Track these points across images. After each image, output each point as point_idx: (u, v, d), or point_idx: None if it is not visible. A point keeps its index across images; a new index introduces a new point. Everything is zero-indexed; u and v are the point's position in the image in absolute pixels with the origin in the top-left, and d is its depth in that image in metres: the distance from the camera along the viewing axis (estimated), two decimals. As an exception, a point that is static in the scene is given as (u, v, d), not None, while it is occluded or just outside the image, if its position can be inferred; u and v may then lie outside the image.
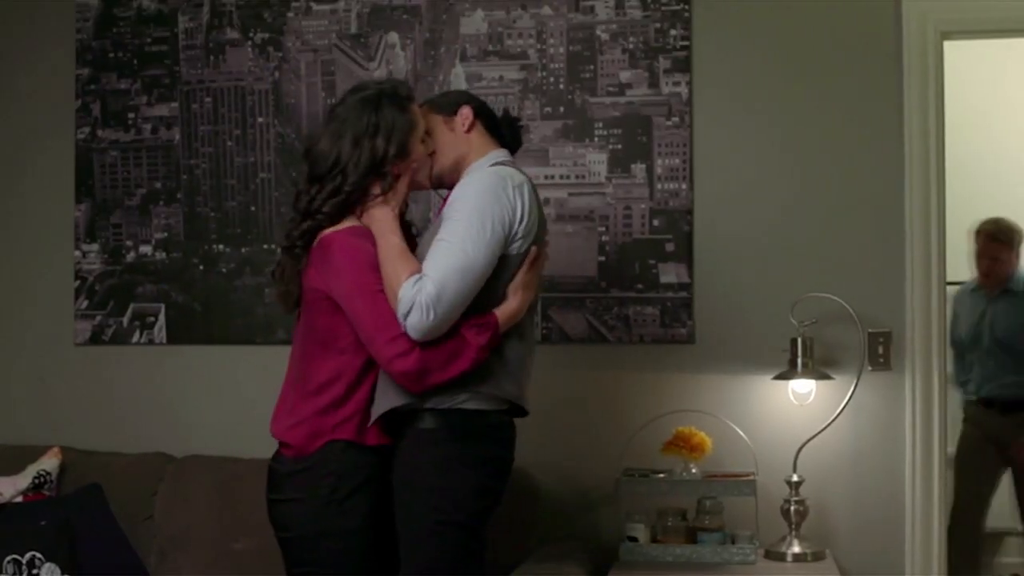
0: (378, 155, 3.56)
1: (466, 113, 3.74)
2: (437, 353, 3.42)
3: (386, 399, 3.54)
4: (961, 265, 6.31)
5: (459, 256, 3.40)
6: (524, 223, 3.53)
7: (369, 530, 3.56)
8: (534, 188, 3.66)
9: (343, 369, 3.56)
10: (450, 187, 3.73)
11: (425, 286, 3.35)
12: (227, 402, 5.06)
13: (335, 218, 3.58)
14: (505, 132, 3.86)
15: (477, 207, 3.46)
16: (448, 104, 3.80)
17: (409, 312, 3.35)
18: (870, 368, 4.77)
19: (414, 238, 3.79)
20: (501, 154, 3.77)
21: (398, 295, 3.37)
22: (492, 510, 3.67)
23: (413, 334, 3.38)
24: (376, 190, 3.58)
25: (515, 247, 3.54)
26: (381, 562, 3.61)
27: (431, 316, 3.35)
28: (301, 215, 3.65)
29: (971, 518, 6.48)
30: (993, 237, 6.40)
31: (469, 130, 3.74)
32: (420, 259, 3.48)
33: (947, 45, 4.85)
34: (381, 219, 3.54)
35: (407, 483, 3.55)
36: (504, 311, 3.53)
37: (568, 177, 4.96)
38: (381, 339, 3.43)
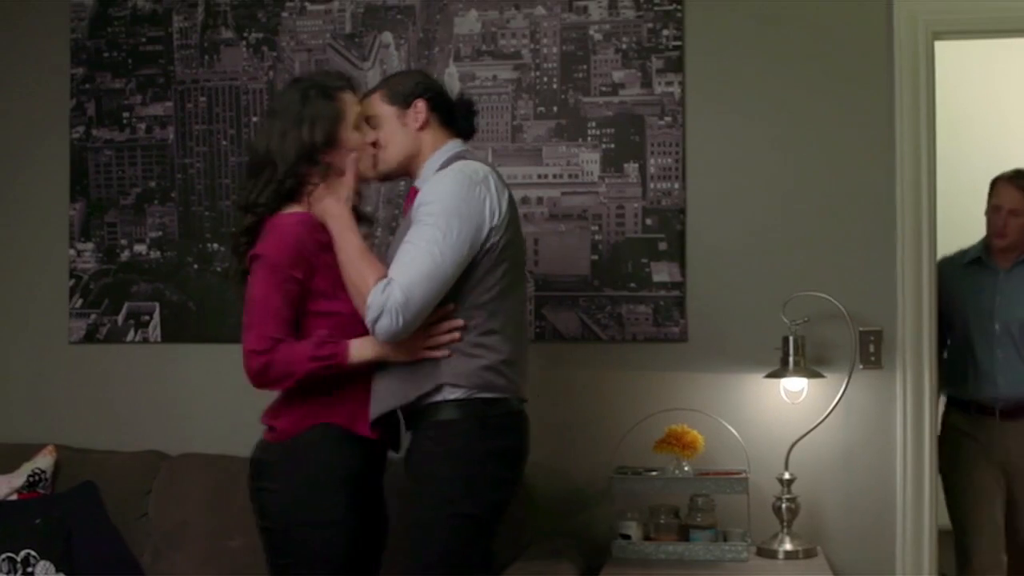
0: (304, 144, 3.62)
1: (420, 107, 3.75)
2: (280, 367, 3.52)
3: (395, 395, 3.56)
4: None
5: (427, 260, 3.43)
6: (496, 217, 3.57)
7: (351, 522, 3.57)
8: (499, 176, 3.70)
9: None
10: (396, 179, 3.90)
11: (393, 292, 3.39)
12: (221, 401, 5.06)
13: (274, 208, 3.64)
14: (460, 119, 3.87)
15: (445, 209, 3.49)
16: (401, 95, 3.79)
17: (378, 318, 3.39)
18: (861, 366, 4.79)
19: (368, 231, 3.90)
20: (456, 145, 3.80)
21: (366, 301, 3.42)
22: (507, 503, 3.70)
23: (382, 338, 3.43)
24: (315, 179, 3.64)
25: (491, 241, 3.56)
26: (361, 555, 3.64)
27: (400, 321, 3.39)
28: (243, 210, 3.73)
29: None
30: (1016, 184, 5.29)
31: (423, 127, 3.77)
32: (389, 261, 3.52)
33: (938, 45, 4.86)
34: (337, 215, 3.59)
35: (424, 473, 3.57)
36: (361, 350, 3.56)
37: (561, 176, 4.98)
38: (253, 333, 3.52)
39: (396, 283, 3.39)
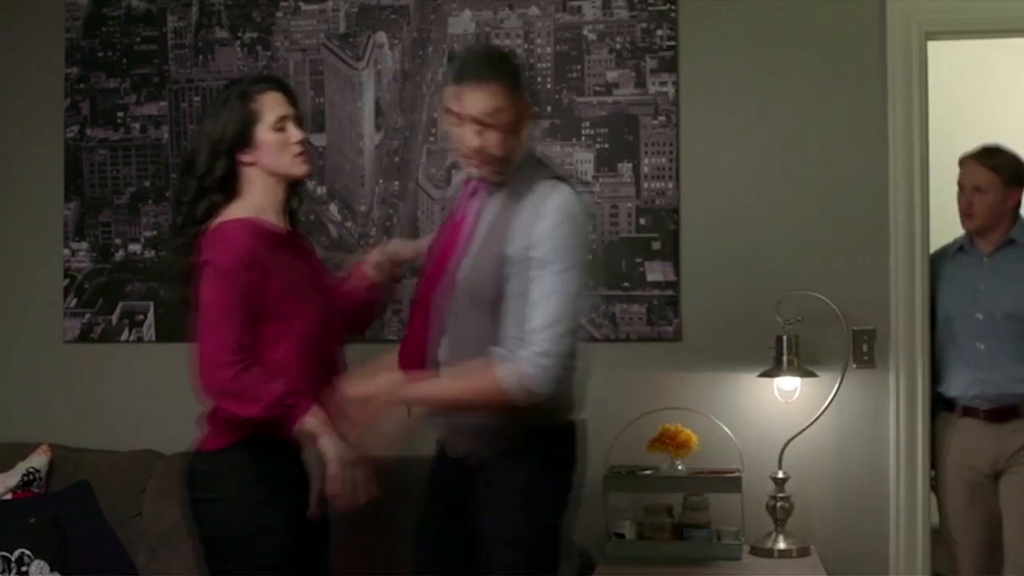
0: (214, 140, 3.65)
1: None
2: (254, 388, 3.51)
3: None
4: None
5: (569, 308, 3.33)
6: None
7: (292, 528, 3.57)
8: None
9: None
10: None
11: (533, 363, 3.27)
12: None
13: (195, 205, 3.68)
14: None
15: (571, 247, 3.35)
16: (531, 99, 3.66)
17: (528, 387, 3.30)
18: (854, 366, 4.80)
19: (305, 238, 3.94)
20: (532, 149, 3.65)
21: (501, 384, 3.29)
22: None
23: (545, 388, 3.32)
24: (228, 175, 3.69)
25: None
26: (304, 560, 3.65)
27: (549, 371, 3.30)
28: (174, 211, 3.82)
29: None
30: (980, 161, 4.86)
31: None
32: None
33: (931, 45, 4.88)
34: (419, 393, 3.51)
35: (524, 488, 3.47)
36: (312, 422, 3.54)
37: (555, 176, 4.98)
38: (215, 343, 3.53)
39: (537, 350, 3.28)
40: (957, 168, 4.80)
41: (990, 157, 4.84)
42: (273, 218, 3.71)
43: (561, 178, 3.48)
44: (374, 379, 3.40)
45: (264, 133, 3.68)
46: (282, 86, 3.82)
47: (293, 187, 3.82)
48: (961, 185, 4.88)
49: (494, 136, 3.35)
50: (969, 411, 4.79)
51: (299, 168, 3.75)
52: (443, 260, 3.49)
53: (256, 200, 3.69)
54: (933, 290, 4.88)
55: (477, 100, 3.32)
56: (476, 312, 3.39)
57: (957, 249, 4.98)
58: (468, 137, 3.35)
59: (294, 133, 3.72)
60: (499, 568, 3.44)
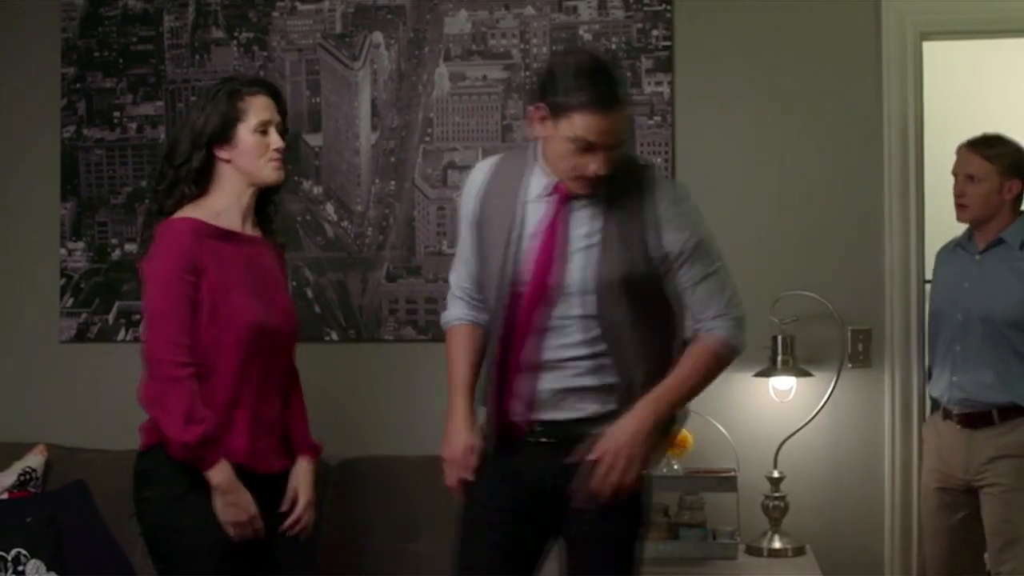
0: (195, 131, 3.64)
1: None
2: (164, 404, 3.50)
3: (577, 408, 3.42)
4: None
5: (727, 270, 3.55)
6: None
7: (216, 529, 3.54)
8: None
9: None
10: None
11: (733, 319, 3.47)
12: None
13: (167, 195, 3.68)
14: None
15: (699, 219, 3.49)
16: None
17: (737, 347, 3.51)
18: (850, 365, 4.82)
19: (274, 246, 3.87)
20: None
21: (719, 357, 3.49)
22: None
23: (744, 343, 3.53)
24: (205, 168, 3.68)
25: None
26: (246, 559, 3.62)
27: (744, 328, 3.52)
28: (150, 198, 3.83)
29: None
30: (975, 150, 4.56)
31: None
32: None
33: (926, 46, 4.90)
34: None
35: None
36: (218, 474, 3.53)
37: (551, 176, 4.99)
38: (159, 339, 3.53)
39: (729, 315, 3.47)
40: (948, 168, 4.69)
41: (987, 146, 4.57)
42: (234, 220, 3.70)
43: (646, 162, 3.61)
44: (611, 436, 3.25)
45: (245, 133, 3.66)
46: (273, 92, 3.81)
47: (267, 194, 3.81)
48: (954, 174, 4.58)
49: (616, 155, 3.27)
50: (947, 414, 4.55)
51: (272, 174, 3.73)
52: (542, 276, 3.34)
53: (221, 200, 3.68)
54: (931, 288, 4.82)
55: (617, 125, 3.23)
56: (627, 312, 3.34)
57: (956, 245, 4.71)
58: (599, 164, 3.21)
59: (274, 139, 3.71)
60: (600, 569, 3.43)
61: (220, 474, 3.51)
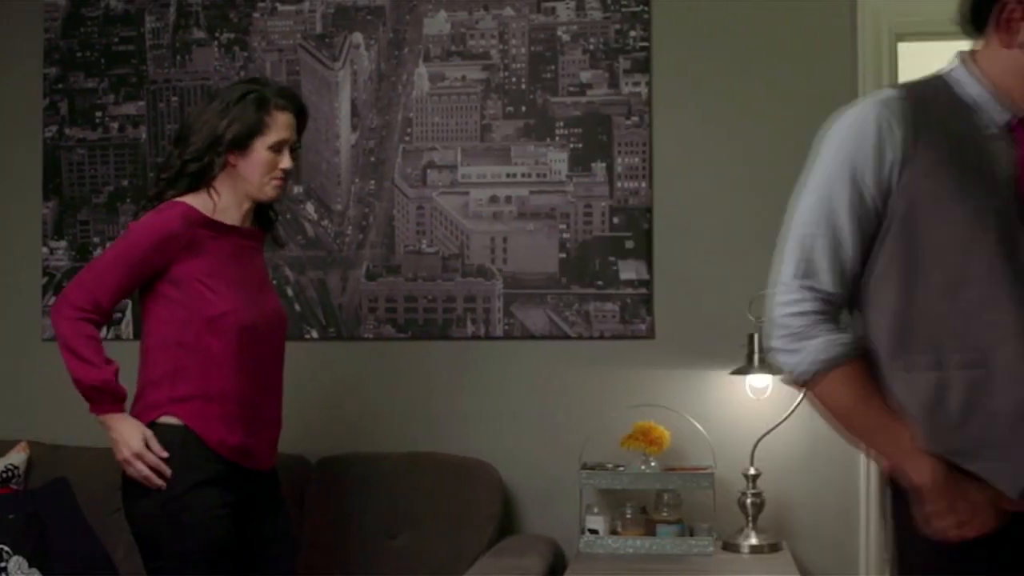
0: (215, 134, 3.67)
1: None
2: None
3: None
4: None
5: None
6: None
7: (215, 525, 3.58)
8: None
9: (181, 353, 3.66)
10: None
11: None
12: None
13: (170, 185, 3.74)
14: None
15: None
16: None
17: None
18: (826, 363, 4.84)
19: (277, 231, 3.99)
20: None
21: None
22: None
23: None
24: (213, 171, 3.71)
25: None
26: (235, 562, 3.66)
27: None
28: (154, 182, 3.90)
29: None
30: None
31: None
32: None
33: (901, 46, 4.92)
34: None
35: None
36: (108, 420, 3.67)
37: (529, 176, 5.03)
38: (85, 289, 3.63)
39: None
40: None
41: None
42: (233, 218, 3.76)
43: None
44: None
45: (261, 148, 3.71)
46: (300, 111, 3.86)
47: (264, 203, 3.86)
48: None
49: None
50: None
51: (271, 193, 3.79)
52: None
53: (223, 198, 3.73)
54: None
55: None
56: None
57: None
58: None
59: (285, 160, 3.76)
60: None
61: (107, 419, 3.62)
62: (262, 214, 3.91)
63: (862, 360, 2.58)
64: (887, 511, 2.75)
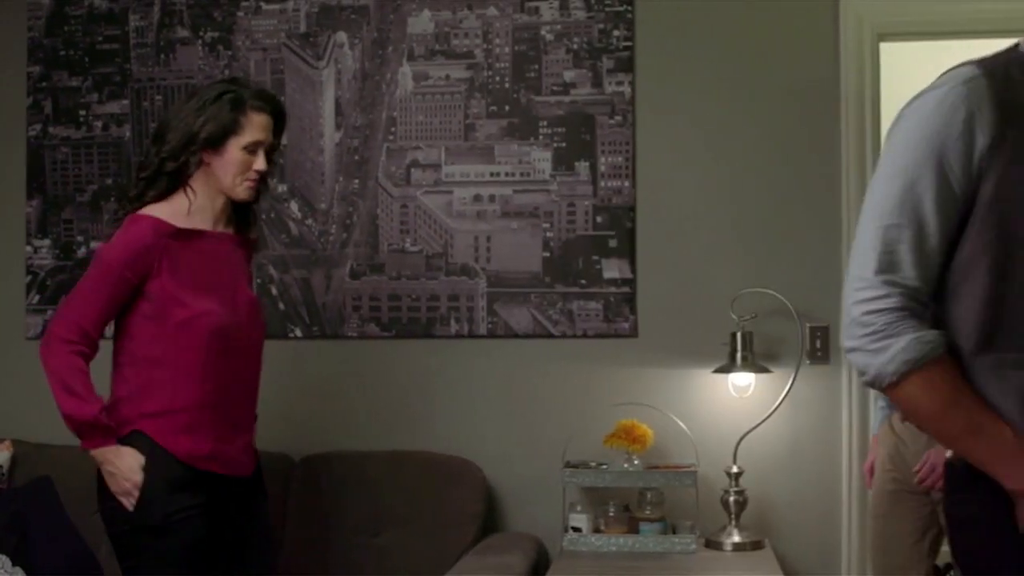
0: (189, 132, 3.67)
1: None
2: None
3: None
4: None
5: None
6: None
7: (188, 527, 3.58)
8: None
9: (150, 365, 3.66)
10: None
11: None
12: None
13: (148, 185, 3.73)
14: None
15: None
16: None
17: None
18: (808, 361, 4.86)
19: (245, 245, 3.93)
20: None
21: None
22: None
23: None
24: (189, 169, 3.71)
25: None
26: (213, 561, 3.67)
27: None
28: (132, 182, 3.88)
29: None
30: None
31: None
32: None
33: (883, 46, 4.95)
34: None
35: None
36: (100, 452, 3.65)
37: (513, 175, 5.04)
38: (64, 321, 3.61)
39: None
40: None
41: None
42: (206, 219, 3.75)
43: None
44: None
45: (234, 148, 3.70)
46: (277, 113, 3.84)
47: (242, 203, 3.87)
48: None
49: None
50: None
51: (243, 193, 3.78)
52: None
53: (197, 198, 3.73)
54: None
55: None
56: None
57: None
58: None
59: (259, 162, 3.75)
60: None
61: (100, 454, 3.61)
62: (242, 214, 3.90)
63: (949, 357, 2.38)
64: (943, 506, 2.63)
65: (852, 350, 2.42)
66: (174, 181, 3.71)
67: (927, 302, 2.41)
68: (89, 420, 3.55)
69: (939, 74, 2.44)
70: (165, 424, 3.61)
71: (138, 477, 3.55)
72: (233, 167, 3.71)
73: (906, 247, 2.39)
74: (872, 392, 4.79)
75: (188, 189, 3.71)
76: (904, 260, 2.39)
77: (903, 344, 2.34)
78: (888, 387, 2.39)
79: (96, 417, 3.55)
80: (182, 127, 3.68)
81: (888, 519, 4.41)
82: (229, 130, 3.68)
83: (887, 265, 2.40)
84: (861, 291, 2.41)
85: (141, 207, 3.69)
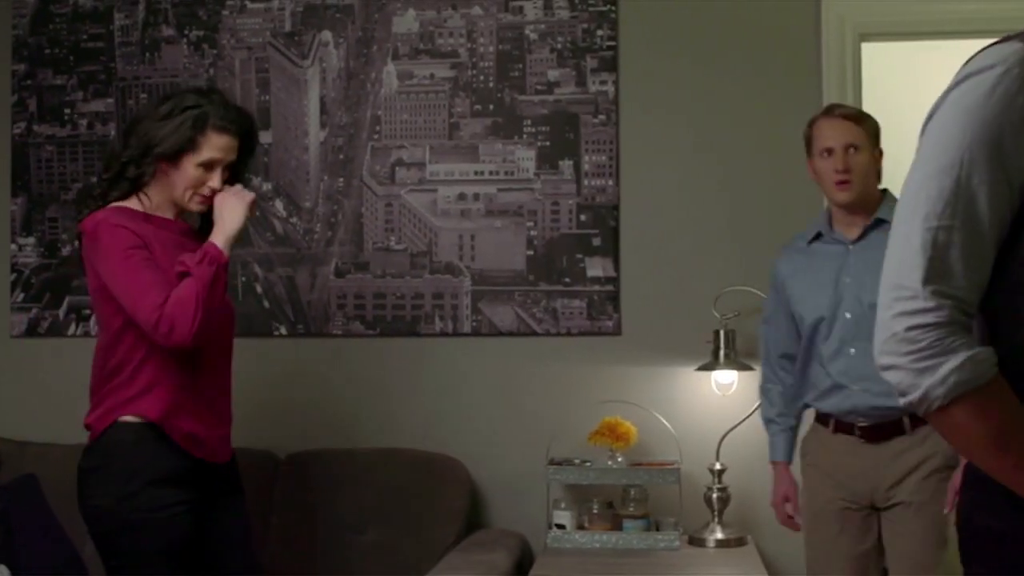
0: (149, 142, 3.65)
1: None
2: (181, 307, 3.51)
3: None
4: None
5: None
6: None
7: (174, 524, 3.57)
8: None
9: (126, 354, 3.63)
10: None
11: None
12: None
13: (111, 186, 3.71)
14: None
15: None
16: None
17: None
18: (790, 359, 4.88)
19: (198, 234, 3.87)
20: None
21: None
22: None
23: None
24: (145, 178, 3.69)
25: None
26: (196, 559, 3.66)
27: None
28: (104, 165, 3.88)
29: None
30: (842, 116, 4.07)
31: None
32: None
33: (865, 47, 4.97)
34: None
35: None
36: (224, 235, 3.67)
37: (497, 173, 5.06)
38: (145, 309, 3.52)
39: None
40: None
41: (854, 112, 4.15)
42: (164, 214, 3.75)
43: None
44: None
45: (189, 164, 3.66)
46: (244, 133, 3.80)
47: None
48: (829, 148, 4.01)
49: None
50: (842, 427, 4.03)
51: (192, 207, 3.76)
52: None
53: (157, 198, 3.72)
54: (784, 298, 4.22)
55: None
56: None
57: (812, 239, 4.17)
58: None
59: (214, 180, 3.71)
60: None
61: (227, 241, 3.67)
62: (206, 221, 3.88)
63: (1002, 377, 2.03)
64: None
65: (891, 367, 2.09)
66: (132, 186, 3.70)
67: (975, 313, 2.08)
68: (220, 260, 3.60)
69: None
70: (148, 402, 3.58)
71: (250, 195, 3.74)
72: (185, 182, 3.68)
73: (958, 252, 2.03)
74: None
75: (143, 195, 3.70)
76: (956, 268, 2.03)
77: (956, 363, 1.99)
78: (936, 411, 2.04)
79: (213, 255, 3.60)
80: (144, 136, 3.67)
81: (836, 541, 4.07)
82: (186, 148, 3.65)
83: (937, 273, 2.03)
84: (905, 302, 2.05)
85: (105, 206, 3.68)
